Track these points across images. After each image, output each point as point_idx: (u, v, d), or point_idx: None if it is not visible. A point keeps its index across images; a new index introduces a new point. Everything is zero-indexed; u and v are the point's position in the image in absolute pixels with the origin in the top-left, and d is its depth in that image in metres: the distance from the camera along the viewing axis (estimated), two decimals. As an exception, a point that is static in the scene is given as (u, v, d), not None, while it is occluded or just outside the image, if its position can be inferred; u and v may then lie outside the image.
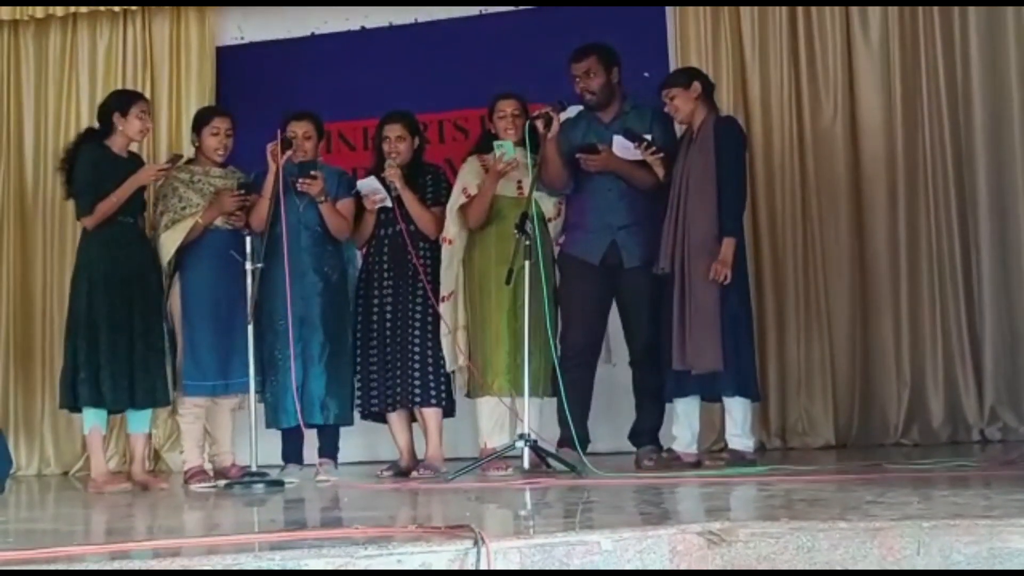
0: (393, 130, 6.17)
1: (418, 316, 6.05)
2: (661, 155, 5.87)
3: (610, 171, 5.96)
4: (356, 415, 6.23)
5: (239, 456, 6.15)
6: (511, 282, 5.60)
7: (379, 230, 6.18)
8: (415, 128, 6.24)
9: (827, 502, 3.65)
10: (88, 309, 5.91)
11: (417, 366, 6.02)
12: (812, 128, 7.10)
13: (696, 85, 5.81)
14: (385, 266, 6.14)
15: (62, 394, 6.03)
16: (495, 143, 5.93)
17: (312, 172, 6.00)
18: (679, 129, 6.05)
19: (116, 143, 6.07)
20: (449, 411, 6.14)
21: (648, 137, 5.90)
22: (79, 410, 6.00)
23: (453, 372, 6.05)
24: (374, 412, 6.19)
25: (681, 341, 5.63)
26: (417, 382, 6.02)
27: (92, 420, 5.95)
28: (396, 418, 6.15)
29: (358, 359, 6.14)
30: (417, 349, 6.02)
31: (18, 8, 7.80)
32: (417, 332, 6.05)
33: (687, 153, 5.77)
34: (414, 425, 6.20)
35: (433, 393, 6.03)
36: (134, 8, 7.81)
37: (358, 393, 6.15)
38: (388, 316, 6.09)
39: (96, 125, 6.21)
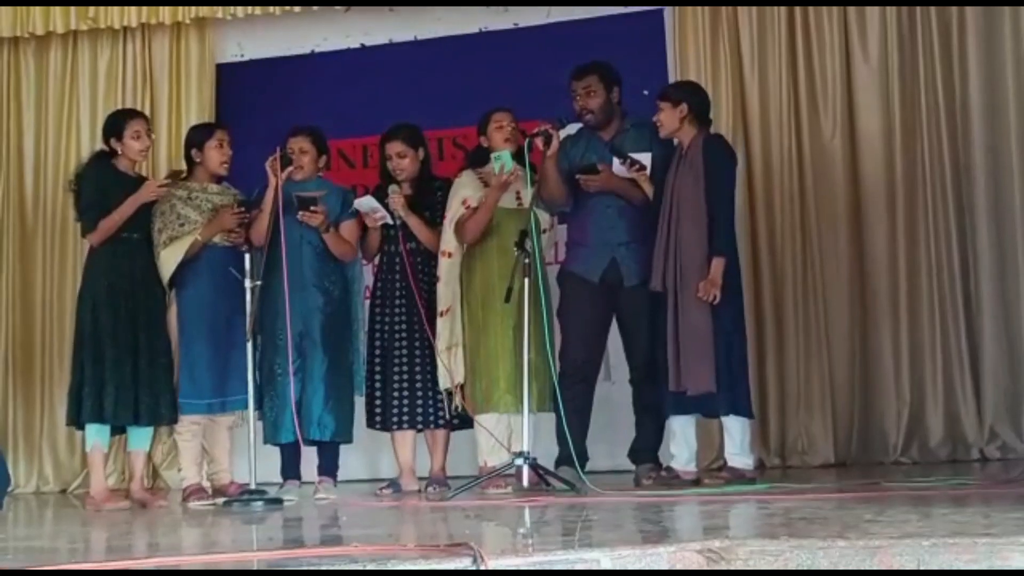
0: (393, 147, 6.20)
1: (428, 335, 6.07)
2: (646, 172, 5.88)
3: (610, 191, 5.96)
4: (358, 431, 6.24)
5: (238, 474, 6.15)
6: (510, 300, 5.60)
7: (388, 246, 6.21)
8: (416, 140, 6.25)
9: (826, 520, 3.65)
10: (93, 325, 5.92)
11: (432, 385, 6.05)
12: (811, 143, 7.11)
13: (684, 106, 5.78)
14: (397, 283, 6.16)
15: (69, 411, 6.02)
16: (492, 155, 5.92)
17: (312, 208, 6.00)
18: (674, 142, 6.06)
19: (122, 162, 6.10)
20: (463, 424, 6.15)
21: (640, 157, 5.90)
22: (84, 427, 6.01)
23: (447, 391, 6.05)
24: (383, 426, 6.20)
25: (676, 362, 5.63)
26: (431, 402, 6.05)
27: (94, 437, 5.95)
28: (400, 434, 6.15)
29: (375, 374, 6.16)
30: (432, 368, 6.05)
31: (18, 25, 7.81)
32: (427, 351, 6.07)
33: (677, 171, 5.78)
34: (417, 439, 6.22)
35: (442, 412, 6.08)
36: (134, 25, 7.81)
37: (369, 407, 6.17)
38: (403, 332, 6.12)
39: (100, 145, 6.23)
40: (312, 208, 5.99)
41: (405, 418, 6.10)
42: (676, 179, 5.75)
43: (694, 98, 5.88)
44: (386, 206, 6.09)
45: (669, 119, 5.80)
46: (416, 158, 6.23)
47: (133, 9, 7.65)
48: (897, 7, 7.02)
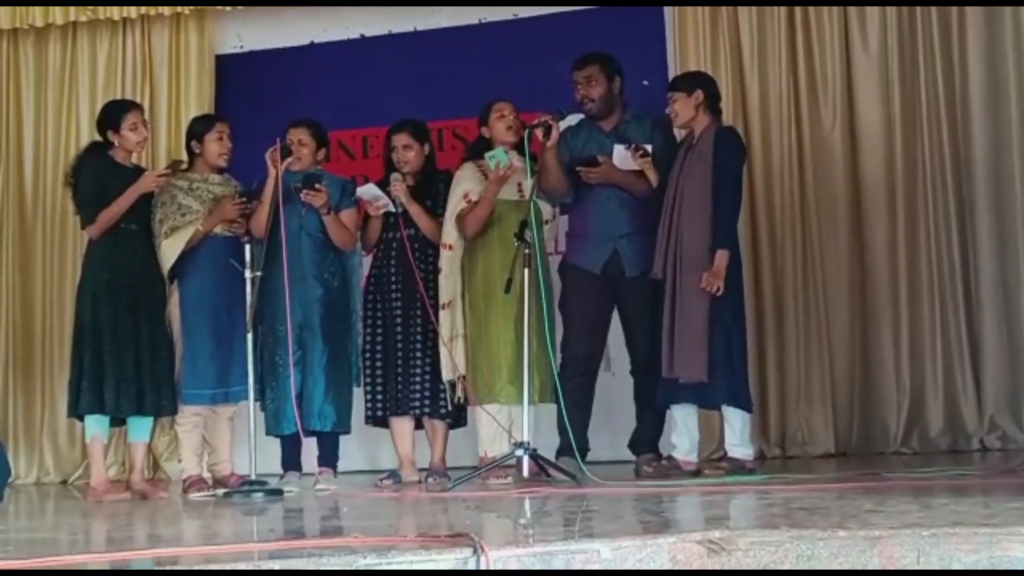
0: (400, 139, 6.21)
1: (428, 323, 6.06)
2: (649, 158, 5.88)
3: (611, 183, 5.96)
4: (357, 422, 6.24)
5: (238, 465, 6.15)
6: (510, 291, 5.60)
7: (386, 233, 6.21)
8: (422, 135, 6.27)
9: (827, 511, 3.65)
10: (93, 317, 5.92)
11: (429, 374, 6.05)
12: (811, 136, 7.10)
13: (699, 93, 5.80)
14: (393, 271, 6.16)
15: (70, 403, 6.03)
16: (486, 154, 5.94)
17: (317, 186, 6.00)
18: (679, 135, 6.05)
19: (119, 153, 6.10)
20: (458, 421, 6.16)
21: (648, 147, 5.91)
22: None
23: (450, 382, 6.04)
24: (379, 417, 6.20)
25: (670, 350, 5.63)
26: (428, 391, 6.06)
27: (93, 428, 5.96)
28: (398, 425, 6.16)
29: (367, 363, 6.16)
30: (428, 357, 6.05)
31: (17, 17, 7.81)
32: (421, 339, 6.07)
33: (685, 160, 5.77)
34: (417, 432, 6.22)
35: (443, 403, 6.07)
36: (134, 17, 7.82)
37: (367, 398, 6.17)
38: (399, 321, 6.12)
39: (99, 136, 6.22)
40: (316, 187, 6.00)
41: (399, 404, 6.09)
42: (683, 168, 5.74)
43: (707, 86, 5.89)
44: (388, 194, 6.10)
45: (684, 108, 5.80)
46: (421, 152, 6.24)
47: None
48: (897, 6, 7.02)
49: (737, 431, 5.71)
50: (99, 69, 7.99)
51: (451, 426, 6.21)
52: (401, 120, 6.29)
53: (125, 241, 6.00)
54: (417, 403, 6.09)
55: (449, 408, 6.10)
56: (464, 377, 6.00)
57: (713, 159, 5.69)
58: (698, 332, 5.58)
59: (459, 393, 6.03)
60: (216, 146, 6.17)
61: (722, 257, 5.59)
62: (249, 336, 5.75)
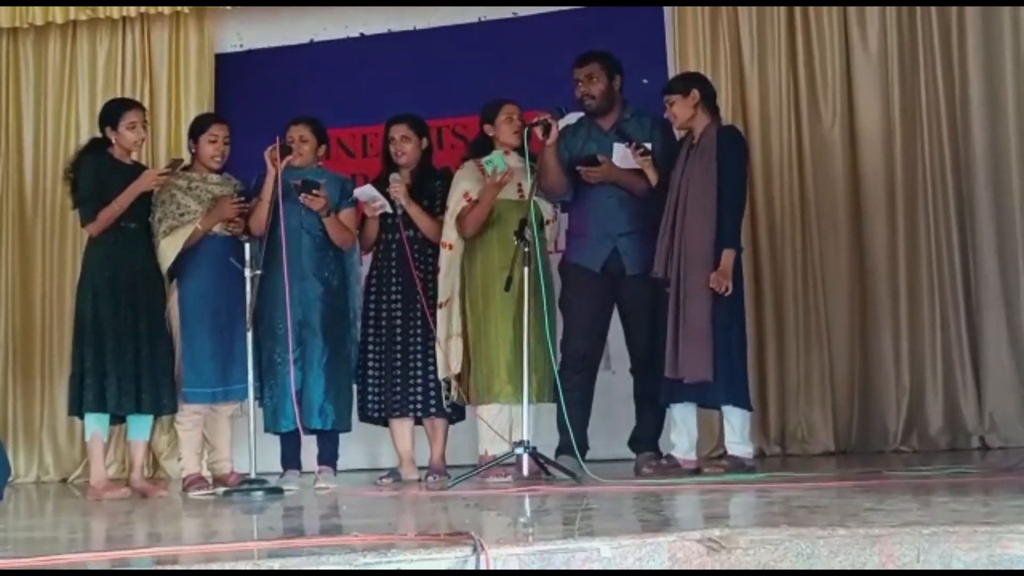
0: (398, 130, 6.21)
1: (428, 324, 6.06)
2: (649, 156, 5.88)
3: (611, 182, 5.96)
4: (356, 419, 6.24)
5: (238, 463, 6.15)
6: (510, 289, 5.60)
7: (385, 234, 6.21)
8: (421, 129, 6.27)
9: (826, 509, 3.65)
10: (93, 315, 5.91)
11: (429, 374, 6.04)
12: (810, 134, 7.11)
13: (695, 93, 5.79)
14: (393, 271, 6.16)
15: (70, 401, 6.03)
16: (484, 160, 5.94)
17: (315, 191, 6.00)
18: (679, 135, 6.05)
19: (118, 151, 6.09)
20: (458, 416, 6.17)
21: (648, 145, 5.91)
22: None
23: (445, 380, 6.04)
24: (375, 416, 6.20)
25: (674, 350, 5.63)
26: (431, 391, 6.05)
27: (93, 426, 5.95)
28: (398, 424, 6.16)
29: (370, 361, 6.16)
30: (430, 357, 6.05)
31: (17, 16, 7.82)
32: (422, 340, 6.07)
33: (686, 159, 5.77)
34: (417, 429, 6.22)
35: (445, 403, 6.06)
36: (133, 15, 7.84)
37: (368, 397, 6.17)
38: (398, 320, 6.12)
39: (99, 134, 6.22)
40: (315, 192, 6.00)
41: (397, 405, 6.09)
42: (685, 167, 5.74)
43: (702, 85, 5.89)
44: (386, 195, 6.10)
45: (682, 110, 5.79)
46: (419, 146, 6.24)
47: (132, -2, 7.67)
48: (897, 6, 7.03)
49: (737, 429, 5.71)
50: (99, 68, 8.00)
51: (451, 421, 6.21)
52: (401, 113, 6.29)
53: (125, 239, 6.00)
54: (420, 404, 6.09)
55: (445, 406, 6.10)
56: (459, 377, 5.99)
57: (716, 158, 5.69)
58: (702, 333, 5.57)
59: (452, 393, 6.03)
60: (209, 148, 6.17)
61: (729, 256, 5.60)
62: (249, 335, 5.75)
